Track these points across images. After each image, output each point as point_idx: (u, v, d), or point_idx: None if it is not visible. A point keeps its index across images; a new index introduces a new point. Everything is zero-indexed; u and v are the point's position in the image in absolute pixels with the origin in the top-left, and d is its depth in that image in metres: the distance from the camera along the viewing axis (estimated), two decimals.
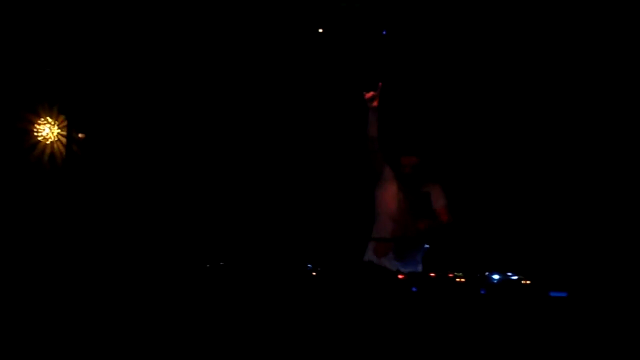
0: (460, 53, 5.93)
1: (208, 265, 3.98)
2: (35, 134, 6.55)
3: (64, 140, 6.57)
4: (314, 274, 3.77)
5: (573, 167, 5.69)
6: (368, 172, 5.04)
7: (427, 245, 4.81)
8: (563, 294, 3.36)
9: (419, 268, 4.77)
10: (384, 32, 5.95)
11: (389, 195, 4.86)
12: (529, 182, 5.79)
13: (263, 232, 6.06)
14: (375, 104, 4.78)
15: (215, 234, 6.05)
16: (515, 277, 3.62)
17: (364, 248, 4.90)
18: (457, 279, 3.63)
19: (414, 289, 3.61)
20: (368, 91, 4.78)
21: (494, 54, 5.87)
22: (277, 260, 4.02)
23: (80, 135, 6.55)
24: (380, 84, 4.74)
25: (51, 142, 6.57)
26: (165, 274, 3.92)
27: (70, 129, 6.52)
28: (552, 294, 3.39)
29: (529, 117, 5.83)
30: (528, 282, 3.55)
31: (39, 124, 6.56)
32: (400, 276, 3.79)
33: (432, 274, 3.72)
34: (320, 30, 5.98)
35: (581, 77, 5.68)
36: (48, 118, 6.58)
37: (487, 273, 3.67)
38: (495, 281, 3.63)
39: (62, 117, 6.60)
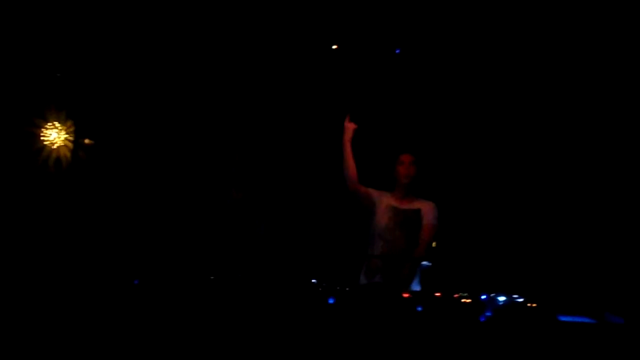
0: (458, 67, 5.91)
1: (212, 277, 3.96)
2: (42, 138, 6.55)
3: (70, 145, 6.56)
4: (319, 289, 3.75)
5: (582, 187, 5.66)
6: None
7: (429, 264, 4.74)
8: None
9: (415, 287, 4.64)
10: (397, 51, 5.93)
11: (379, 213, 4.75)
12: (536, 203, 5.77)
13: (268, 247, 6.03)
14: (349, 137, 4.67)
15: (219, 244, 6.02)
16: (521, 299, 3.60)
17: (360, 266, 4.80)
18: (463, 300, 3.61)
19: (419, 309, 3.59)
20: (350, 119, 4.66)
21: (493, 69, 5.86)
22: (281, 276, 4.00)
23: (87, 141, 6.55)
24: (355, 125, 4.63)
25: (57, 146, 6.57)
26: (167, 282, 3.90)
27: (77, 135, 6.51)
28: (561, 318, 3.37)
29: (539, 134, 5.80)
30: (534, 304, 3.53)
31: (47, 129, 6.57)
32: (405, 295, 3.76)
33: (437, 294, 3.70)
34: (335, 47, 5.98)
35: (590, 90, 5.65)
36: (56, 123, 6.58)
37: (493, 294, 3.65)
38: (501, 303, 3.60)
39: (70, 123, 6.60)
